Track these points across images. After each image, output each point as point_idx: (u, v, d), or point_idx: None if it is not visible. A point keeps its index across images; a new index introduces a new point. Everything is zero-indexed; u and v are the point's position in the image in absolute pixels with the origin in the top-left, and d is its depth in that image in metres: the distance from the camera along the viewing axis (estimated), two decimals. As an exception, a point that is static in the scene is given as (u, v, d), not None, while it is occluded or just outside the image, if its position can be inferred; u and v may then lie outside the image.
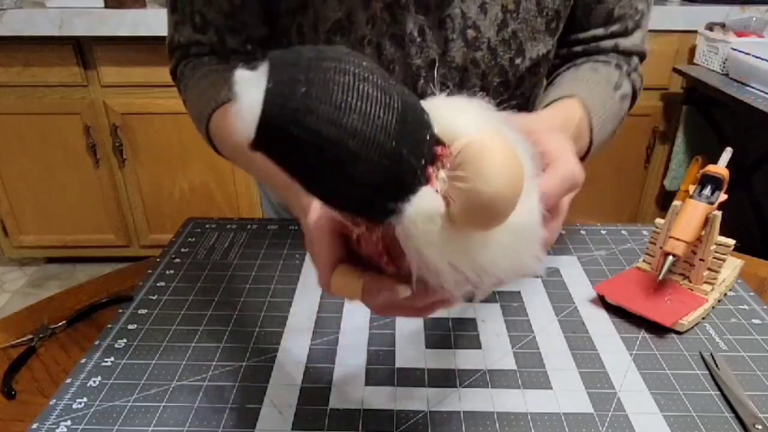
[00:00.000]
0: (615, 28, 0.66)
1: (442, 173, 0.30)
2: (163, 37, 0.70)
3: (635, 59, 0.69)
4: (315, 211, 0.38)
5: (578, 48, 0.70)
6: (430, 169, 0.30)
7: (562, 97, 0.59)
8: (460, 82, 0.65)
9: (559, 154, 0.41)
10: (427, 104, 0.31)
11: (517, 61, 0.65)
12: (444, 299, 0.36)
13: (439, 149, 0.30)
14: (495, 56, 0.64)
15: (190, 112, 0.67)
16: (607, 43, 0.68)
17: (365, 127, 0.26)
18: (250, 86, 0.26)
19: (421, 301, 0.36)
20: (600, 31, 0.67)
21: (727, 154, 0.65)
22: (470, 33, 0.62)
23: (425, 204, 0.29)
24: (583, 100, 0.58)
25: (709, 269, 0.62)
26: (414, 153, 0.28)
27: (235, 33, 0.64)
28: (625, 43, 0.67)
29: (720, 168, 0.63)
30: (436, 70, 0.63)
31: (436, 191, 0.29)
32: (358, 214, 0.31)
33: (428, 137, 0.29)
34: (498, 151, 0.28)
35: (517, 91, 0.69)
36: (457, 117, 0.31)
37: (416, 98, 0.30)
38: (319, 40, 0.64)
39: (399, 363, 0.54)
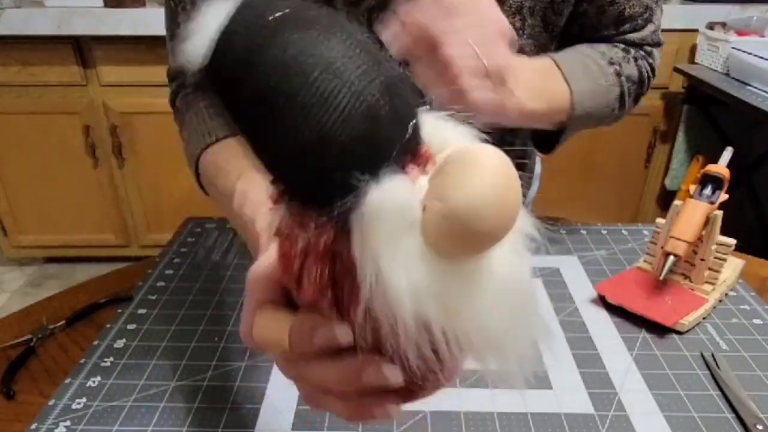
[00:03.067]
0: (625, 27, 0.67)
1: (422, 179, 0.24)
2: (162, 36, 0.70)
3: (647, 48, 0.69)
4: (264, 256, 0.31)
5: None
6: (410, 165, 0.24)
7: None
8: None
9: None
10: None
11: None
12: (404, 382, 0.28)
13: (423, 148, 0.25)
14: None
15: (184, 151, 0.64)
16: (617, 39, 0.69)
17: (348, 64, 0.22)
18: (213, 6, 0.23)
19: (369, 373, 0.27)
20: (611, 31, 0.68)
21: (727, 153, 0.65)
22: None
23: (396, 191, 0.23)
24: (553, 56, 0.60)
25: (710, 269, 0.62)
26: (395, 122, 0.23)
27: None
28: (633, 36, 0.68)
29: (721, 167, 0.63)
30: None
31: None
32: (311, 191, 0.24)
33: (413, 122, 0.24)
34: (494, 160, 0.22)
35: None
36: (447, 128, 0.26)
37: (408, 87, 0.25)
38: None
39: (399, 363, 0.54)
